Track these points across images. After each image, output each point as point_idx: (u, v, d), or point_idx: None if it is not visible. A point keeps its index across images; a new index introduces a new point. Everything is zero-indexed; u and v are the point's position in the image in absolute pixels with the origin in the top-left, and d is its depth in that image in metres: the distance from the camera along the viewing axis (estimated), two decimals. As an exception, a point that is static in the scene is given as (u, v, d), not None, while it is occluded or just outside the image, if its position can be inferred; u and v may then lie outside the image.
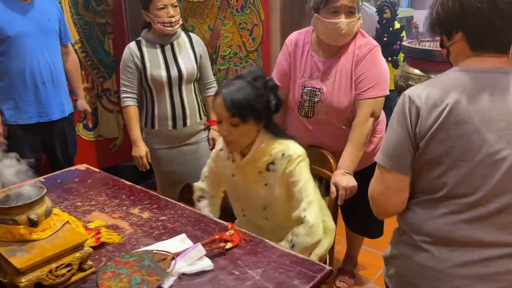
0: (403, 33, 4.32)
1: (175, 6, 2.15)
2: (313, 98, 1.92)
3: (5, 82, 2.37)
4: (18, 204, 1.15)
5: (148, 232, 1.39)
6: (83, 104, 2.76)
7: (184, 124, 2.28)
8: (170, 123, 2.26)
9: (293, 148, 1.55)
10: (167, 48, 2.22)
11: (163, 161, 2.32)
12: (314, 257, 1.60)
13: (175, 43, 2.24)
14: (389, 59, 3.75)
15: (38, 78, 2.41)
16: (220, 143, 1.71)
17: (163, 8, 2.11)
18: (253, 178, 1.59)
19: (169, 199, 1.60)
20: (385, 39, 3.67)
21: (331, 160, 1.90)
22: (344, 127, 1.93)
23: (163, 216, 1.48)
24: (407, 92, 1.13)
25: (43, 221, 1.18)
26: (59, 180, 1.75)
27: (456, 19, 1.11)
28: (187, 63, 2.24)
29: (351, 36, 1.85)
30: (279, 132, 1.60)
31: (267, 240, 1.35)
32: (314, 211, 1.53)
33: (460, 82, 1.08)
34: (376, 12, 3.70)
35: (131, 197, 1.61)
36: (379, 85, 1.84)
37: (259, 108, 1.49)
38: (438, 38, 1.23)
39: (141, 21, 2.28)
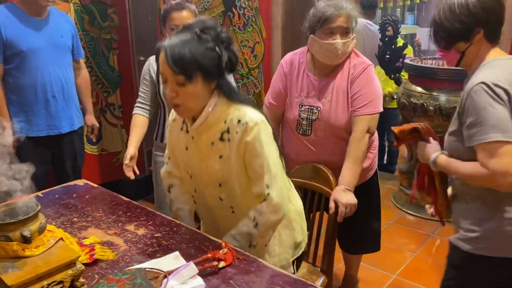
0: (410, 51, 4.35)
1: None
2: (311, 116, 1.95)
3: (17, 95, 2.44)
4: (11, 221, 1.16)
5: (142, 249, 1.39)
6: (91, 119, 2.81)
7: None
8: None
9: (251, 115, 1.39)
10: None
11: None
12: (290, 251, 1.60)
13: None
14: (392, 76, 3.76)
15: (49, 92, 2.47)
16: (173, 114, 1.57)
17: (174, 29, 2.03)
18: (207, 151, 1.45)
19: (165, 216, 1.60)
20: (387, 56, 3.69)
21: (331, 177, 1.90)
22: (342, 143, 1.94)
23: (158, 233, 1.48)
24: (485, 80, 1.31)
25: (36, 237, 1.18)
26: (57, 195, 1.76)
27: (479, 19, 1.37)
28: None
29: (346, 56, 1.89)
30: (235, 96, 1.43)
31: (260, 260, 1.35)
32: (277, 186, 1.43)
33: (509, 67, 1.36)
34: (378, 29, 3.73)
35: (128, 213, 1.62)
36: (374, 102, 1.88)
37: (208, 65, 1.32)
38: (443, 51, 1.47)
39: (144, 37, 2.32)
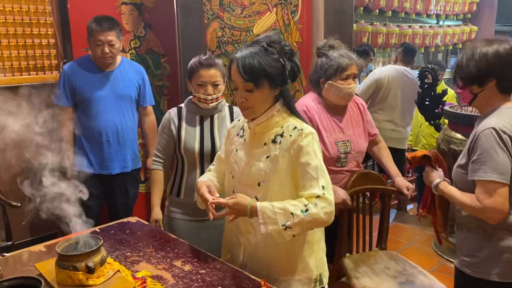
0: (454, 96, 4.39)
1: (217, 85, 2.09)
2: (346, 150, 2.27)
3: (81, 136, 2.75)
4: (78, 253, 1.32)
5: (188, 284, 1.51)
6: (150, 161, 3.03)
7: None
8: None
9: (306, 125, 1.56)
10: (207, 120, 2.18)
11: (182, 233, 2.11)
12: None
13: (215, 116, 2.19)
14: (431, 122, 3.80)
15: (104, 136, 2.75)
16: (234, 122, 1.78)
17: (202, 85, 2.07)
18: (256, 152, 1.59)
19: (210, 254, 1.72)
20: (427, 103, 3.75)
21: (382, 177, 2.45)
22: (359, 166, 2.41)
23: (203, 270, 1.60)
24: (493, 126, 1.55)
25: (98, 268, 1.34)
26: (112, 231, 1.93)
27: (493, 70, 1.57)
28: (223, 139, 2.10)
29: None
30: (295, 110, 1.62)
31: (297, 298, 1.44)
32: (331, 193, 1.51)
33: None
34: (417, 76, 3.81)
35: (175, 250, 1.75)
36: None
37: (273, 73, 1.50)
38: (460, 89, 1.70)
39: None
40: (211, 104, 2.12)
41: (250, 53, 1.50)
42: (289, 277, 1.62)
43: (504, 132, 1.53)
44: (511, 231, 1.60)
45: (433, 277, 2.24)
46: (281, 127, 1.57)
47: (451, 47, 7.13)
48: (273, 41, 1.53)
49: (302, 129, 1.54)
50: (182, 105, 2.23)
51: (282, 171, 1.55)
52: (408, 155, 1.95)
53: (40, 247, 1.79)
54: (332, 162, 2.24)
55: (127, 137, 2.85)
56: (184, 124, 2.16)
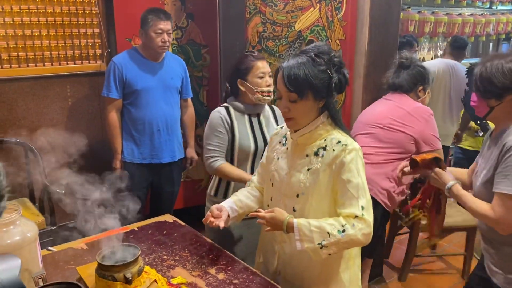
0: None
1: (271, 76, 2.12)
2: None
3: (129, 127, 2.83)
4: (118, 264, 1.37)
5: (221, 294, 1.54)
6: (191, 152, 3.15)
7: None
8: None
9: (351, 141, 1.51)
10: (254, 119, 2.19)
11: (227, 233, 2.09)
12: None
13: (261, 114, 2.21)
14: (478, 122, 3.65)
15: (154, 126, 2.82)
16: (277, 129, 1.78)
17: (262, 77, 2.08)
18: (297, 162, 1.57)
19: (244, 263, 1.74)
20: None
21: None
22: None
23: (236, 280, 1.62)
24: None
25: (135, 279, 1.38)
26: (150, 231, 1.98)
27: None
28: None
29: None
30: (341, 123, 1.57)
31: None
32: (371, 214, 1.48)
33: None
34: (465, 74, 3.64)
35: (210, 256, 1.78)
36: None
37: (318, 85, 1.46)
38: (475, 101, 1.67)
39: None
40: (271, 97, 2.12)
41: (297, 63, 1.47)
42: None
43: None
44: None
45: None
46: (325, 140, 1.54)
47: (503, 36, 6.75)
48: (322, 52, 1.49)
49: (346, 145, 1.49)
50: (227, 104, 2.19)
51: (322, 185, 1.53)
52: (418, 157, 1.84)
53: (81, 244, 1.87)
54: None
55: (175, 127, 2.93)
56: (236, 123, 2.14)
